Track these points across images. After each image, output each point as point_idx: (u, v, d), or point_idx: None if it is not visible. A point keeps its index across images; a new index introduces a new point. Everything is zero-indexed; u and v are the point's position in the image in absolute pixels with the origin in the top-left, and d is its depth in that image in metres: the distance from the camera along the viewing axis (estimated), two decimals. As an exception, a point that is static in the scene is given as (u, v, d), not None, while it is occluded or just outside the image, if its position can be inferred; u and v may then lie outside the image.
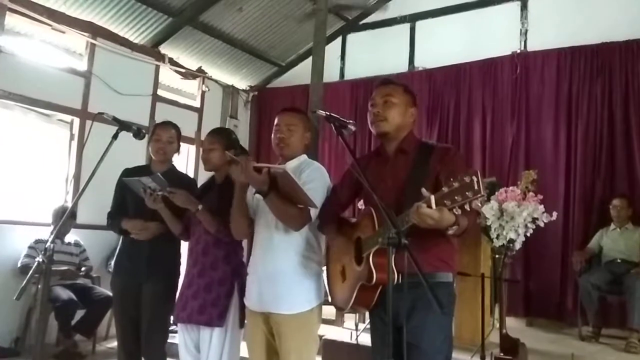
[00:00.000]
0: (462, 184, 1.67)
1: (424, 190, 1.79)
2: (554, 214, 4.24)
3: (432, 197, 1.75)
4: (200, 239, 2.85)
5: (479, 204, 4.24)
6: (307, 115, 2.72)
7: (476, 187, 1.64)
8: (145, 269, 3.10)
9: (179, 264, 3.27)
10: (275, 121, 2.61)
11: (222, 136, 2.96)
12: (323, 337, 4.24)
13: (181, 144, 3.36)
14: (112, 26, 5.97)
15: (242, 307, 2.74)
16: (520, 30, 6.15)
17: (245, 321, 2.75)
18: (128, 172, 3.20)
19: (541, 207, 4.21)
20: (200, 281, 2.79)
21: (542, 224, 4.23)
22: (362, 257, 2.11)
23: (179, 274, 3.20)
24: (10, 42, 5.18)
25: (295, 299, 2.45)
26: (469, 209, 1.73)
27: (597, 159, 5.52)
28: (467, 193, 1.66)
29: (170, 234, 3.04)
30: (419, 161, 2.17)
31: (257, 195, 2.43)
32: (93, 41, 5.81)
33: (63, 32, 5.59)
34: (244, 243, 2.94)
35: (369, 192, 2.01)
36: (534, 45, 6.06)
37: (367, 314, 2.66)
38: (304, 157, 2.63)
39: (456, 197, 1.69)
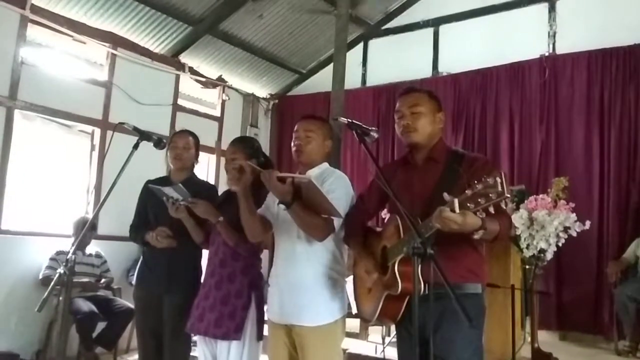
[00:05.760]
0: (485, 185, 1.63)
1: (445, 194, 1.75)
2: (587, 222, 4.17)
3: (456, 200, 1.70)
4: (218, 250, 2.83)
5: (505, 206, 4.14)
6: (327, 122, 2.69)
7: (500, 189, 1.60)
8: (166, 280, 3.07)
9: (200, 274, 3.21)
10: (295, 128, 2.59)
11: (244, 145, 2.90)
12: (347, 351, 4.19)
13: (201, 153, 3.31)
14: (133, 36, 6.01)
15: (260, 319, 2.72)
16: (549, 32, 6.01)
17: (267, 334, 2.70)
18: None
19: (573, 216, 4.16)
20: (217, 293, 2.75)
21: (574, 233, 4.18)
22: (388, 266, 2.07)
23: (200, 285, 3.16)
24: (31, 53, 5.22)
25: (318, 311, 2.40)
26: (497, 211, 1.68)
27: (632, 164, 5.37)
28: (490, 195, 1.62)
29: (192, 245, 3.02)
30: (448, 170, 2.14)
31: (280, 206, 2.38)
32: (114, 51, 5.84)
33: (84, 43, 5.64)
34: (264, 255, 2.92)
35: (395, 201, 1.98)
36: (563, 47, 5.91)
37: (392, 327, 2.60)
38: (326, 165, 2.60)
39: (479, 200, 1.65)
